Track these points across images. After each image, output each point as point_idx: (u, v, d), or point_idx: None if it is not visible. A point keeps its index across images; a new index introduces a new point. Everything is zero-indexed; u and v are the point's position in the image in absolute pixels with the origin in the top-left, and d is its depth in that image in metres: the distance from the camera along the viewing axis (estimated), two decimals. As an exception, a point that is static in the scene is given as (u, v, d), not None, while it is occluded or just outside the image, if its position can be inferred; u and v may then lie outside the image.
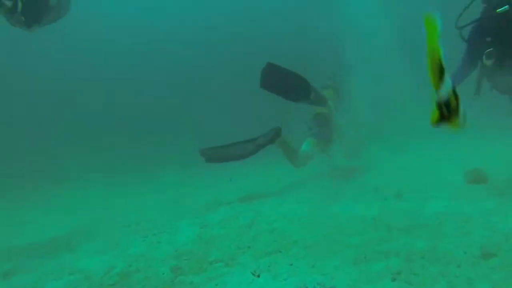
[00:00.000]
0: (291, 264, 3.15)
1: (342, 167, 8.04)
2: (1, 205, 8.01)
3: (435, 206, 4.05)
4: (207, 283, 3.03)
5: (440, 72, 1.01)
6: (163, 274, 3.35)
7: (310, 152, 7.38)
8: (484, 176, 5.32)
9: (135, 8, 22.12)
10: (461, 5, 4.32)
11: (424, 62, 1.29)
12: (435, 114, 1.06)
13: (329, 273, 2.81)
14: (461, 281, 2.41)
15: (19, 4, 3.86)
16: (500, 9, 3.83)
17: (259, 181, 8.27)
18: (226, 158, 6.66)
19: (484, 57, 4.20)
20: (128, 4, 21.89)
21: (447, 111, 1.02)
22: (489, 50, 4.13)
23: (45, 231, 5.76)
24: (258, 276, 2.98)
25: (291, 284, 2.64)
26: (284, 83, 5.88)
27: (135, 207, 7.02)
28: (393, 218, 3.80)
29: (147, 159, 13.14)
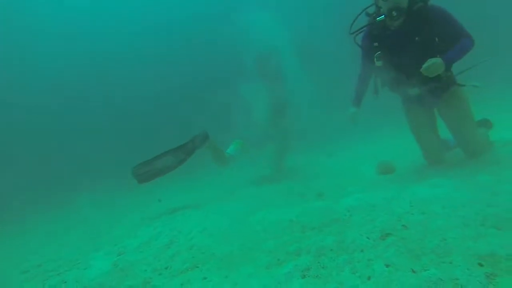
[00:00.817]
0: (205, 278, 2.97)
1: (270, 175, 8.14)
2: None
3: (348, 201, 4.23)
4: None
5: None
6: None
7: (235, 153, 7.38)
8: (392, 166, 5.81)
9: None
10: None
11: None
12: None
13: (241, 282, 2.70)
14: (362, 264, 2.48)
15: None
16: (379, 18, 4.30)
17: (185, 195, 7.95)
18: (158, 173, 6.29)
19: (375, 59, 4.62)
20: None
21: None
22: (377, 53, 4.56)
23: None
24: (169, 298, 2.75)
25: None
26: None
27: (39, 246, 6.19)
28: (309, 218, 3.86)
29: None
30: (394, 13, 4.18)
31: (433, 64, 3.95)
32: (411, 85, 4.74)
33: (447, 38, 4.26)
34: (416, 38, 4.35)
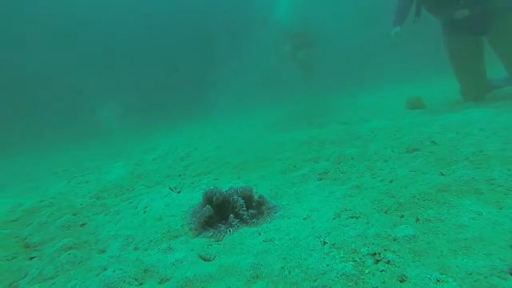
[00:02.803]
0: (217, 179, 2.91)
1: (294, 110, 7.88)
2: None
3: (373, 125, 3.98)
4: (121, 202, 2.71)
5: None
6: (80, 204, 2.98)
7: None
8: (422, 102, 5.39)
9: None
10: None
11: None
12: None
13: (252, 182, 2.60)
14: (385, 172, 2.30)
15: None
16: None
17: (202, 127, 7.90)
18: None
19: None
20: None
21: None
22: None
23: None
24: (179, 192, 2.71)
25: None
26: None
27: (69, 157, 6.45)
28: (329, 136, 3.66)
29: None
30: None
31: None
32: (459, 5, 4.15)
33: None
34: None
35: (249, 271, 1.31)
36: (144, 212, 2.31)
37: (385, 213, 1.66)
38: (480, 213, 1.45)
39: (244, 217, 1.83)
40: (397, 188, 1.92)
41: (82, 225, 2.41)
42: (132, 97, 10.34)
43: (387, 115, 5.21)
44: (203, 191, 2.02)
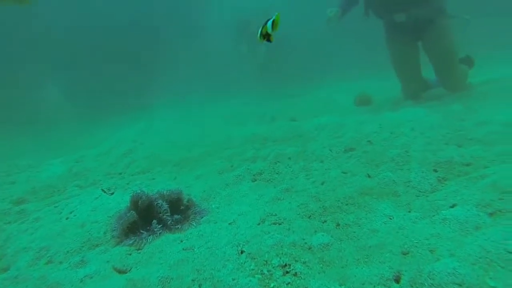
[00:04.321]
0: (153, 179, 2.80)
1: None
2: None
3: (319, 121, 4.04)
4: (45, 207, 2.51)
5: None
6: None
7: None
8: (370, 98, 5.60)
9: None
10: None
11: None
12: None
13: (187, 182, 2.53)
14: (319, 173, 2.33)
15: None
16: None
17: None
18: None
19: None
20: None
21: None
22: None
23: None
24: (112, 193, 2.57)
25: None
26: None
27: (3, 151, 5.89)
28: (273, 133, 3.67)
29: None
30: None
31: None
32: (397, 9, 4.33)
33: None
34: None
35: (157, 285, 1.25)
36: (67, 218, 2.15)
37: (309, 218, 1.67)
38: (391, 217, 1.50)
39: (168, 223, 1.76)
40: (325, 191, 1.94)
41: (-9, 235, 2.19)
42: (77, 78, 9.58)
43: (338, 110, 5.34)
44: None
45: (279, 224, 1.65)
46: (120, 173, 3.41)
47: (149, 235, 1.70)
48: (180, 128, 5.27)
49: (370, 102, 5.63)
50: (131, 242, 1.69)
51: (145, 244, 1.66)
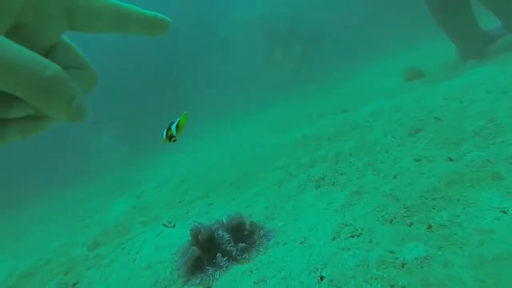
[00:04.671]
0: (211, 204, 2.70)
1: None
2: None
3: (371, 108, 3.70)
4: (115, 249, 2.53)
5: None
6: (78, 256, 2.82)
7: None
8: (420, 71, 5.06)
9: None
10: None
11: None
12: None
13: (247, 202, 2.38)
14: (388, 165, 2.04)
15: None
16: None
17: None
18: None
19: None
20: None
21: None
22: None
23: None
24: (173, 226, 2.51)
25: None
26: None
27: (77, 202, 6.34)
28: (325, 130, 3.41)
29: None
30: None
31: None
32: None
33: None
34: None
35: (234, 335, 1.09)
36: (134, 260, 2.11)
37: (391, 223, 1.41)
38: (505, 210, 1.18)
39: (233, 254, 1.61)
40: (401, 186, 1.66)
41: (74, 284, 2.23)
42: (122, 125, 10.11)
43: (387, 92, 4.90)
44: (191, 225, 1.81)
45: (358, 236, 1.41)
46: (180, 202, 3.39)
47: (215, 271, 1.56)
48: (226, 147, 5.21)
49: (422, 75, 5.08)
50: (198, 281, 1.56)
51: (213, 281, 1.52)
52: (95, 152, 9.11)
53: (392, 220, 1.42)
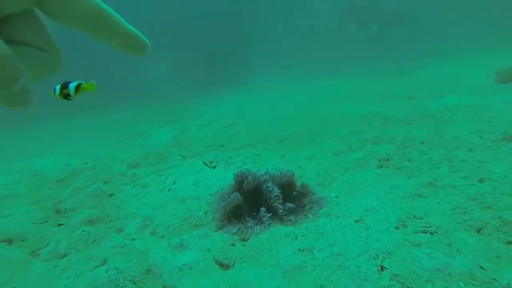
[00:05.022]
0: (258, 155, 2.56)
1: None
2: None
3: (449, 101, 3.27)
4: (152, 174, 2.51)
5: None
6: (117, 170, 2.87)
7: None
8: (515, 74, 4.38)
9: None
10: None
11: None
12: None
13: (297, 162, 2.20)
14: (471, 166, 1.74)
15: None
16: None
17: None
18: None
19: None
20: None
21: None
22: None
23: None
24: (214, 167, 2.42)
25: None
26: None
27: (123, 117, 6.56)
28: (393, 111, 3.06)
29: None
30: None
31: None
32: None
33: None
34: None
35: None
36: (169, 190, 2.06)
37: (478, 232, 1.17)
38: None
39: (279, 212, 1.47)
40: (493, 193, 1.39)
41: (110, 195, 2.26)
42: (180, 58, 10.06)
43: (467, 90, 4.33)
44: (236, 170, 1.68)
45: (431, 233, 1.19)
46: (222, 145, 3.30)
47: (256, 225, 1.43)
48: (282, 104, 4.98)
49: (519, 78, 4.40)
50: (235, 230, 1.45)
51: (251, 235, 1.40)
52: (152, 79, 9.24)
53: (480, 230, 1.18)
